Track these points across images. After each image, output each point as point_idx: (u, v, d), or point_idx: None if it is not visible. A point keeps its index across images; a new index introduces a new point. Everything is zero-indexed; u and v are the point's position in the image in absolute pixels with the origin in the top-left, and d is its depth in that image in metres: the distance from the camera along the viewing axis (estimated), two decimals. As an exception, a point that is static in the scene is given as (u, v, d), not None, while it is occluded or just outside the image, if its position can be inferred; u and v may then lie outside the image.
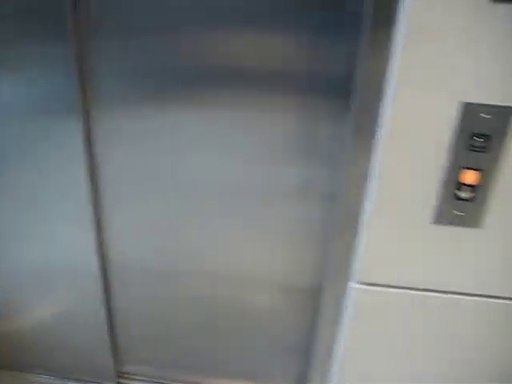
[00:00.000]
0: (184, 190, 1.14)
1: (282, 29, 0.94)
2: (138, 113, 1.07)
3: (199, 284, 1.28)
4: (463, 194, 0.83)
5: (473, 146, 0.80)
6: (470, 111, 0.77)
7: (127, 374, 1.50)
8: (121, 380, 1.50)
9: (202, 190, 1.14)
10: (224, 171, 1.10)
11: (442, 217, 0.85)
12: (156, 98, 1.05)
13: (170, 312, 1.34)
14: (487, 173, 0.81)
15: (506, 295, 0.92)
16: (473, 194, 0.83)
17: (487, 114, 0.77)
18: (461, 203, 0.84)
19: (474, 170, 0.81)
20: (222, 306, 1.31)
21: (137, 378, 1.50)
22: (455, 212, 0.84)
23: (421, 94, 0.78)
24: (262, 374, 1.42)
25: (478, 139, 0.79)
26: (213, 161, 1.09)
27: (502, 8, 0.70)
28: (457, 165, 0.81)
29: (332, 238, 0.98)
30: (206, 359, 1.42)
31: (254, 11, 0.93)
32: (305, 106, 1.00)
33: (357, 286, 0.94)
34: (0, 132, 1.14)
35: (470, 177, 0.82)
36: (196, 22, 0.96)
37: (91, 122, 1.10)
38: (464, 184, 0.82)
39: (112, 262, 1.28)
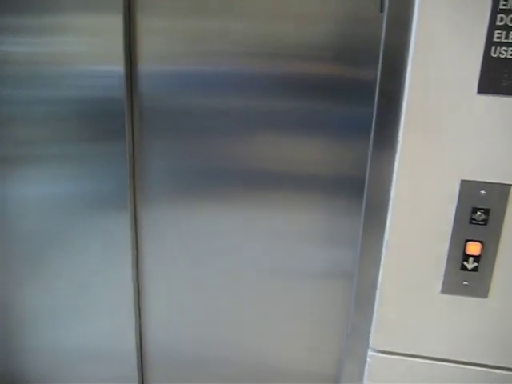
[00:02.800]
0: (223, 280, 1.24)
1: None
2: (182, 210, 1.19)
3: (233, 369, 1.34)
4: (468, 265, 0.89)
5: (474, 220, 0.87)
6: (469, 188, 0.86)
7: None
8: None
9: (240, 278, 1.23)
10: (260, 258, 1.20)
11: (450, 287, 0.91)
12: (198, 197, 1.18)
13: None
14: (489, 244, 0.88)
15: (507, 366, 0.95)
16: (477, 265, 0.89)
17: (486, 191, 0.85)
18: (466, 273, 0.90)
19: (477, 241, 0.88)
20: None
21: None
22: (462, 282, 0.90)
23: (425, 174, 0.86)
24: None
25: (478, 213, 0.86)
26: (249, 250, 1.20)
27: (487, 98, 0.81)
28: (460, 237, 0.88)
29: (352, 311, 1.04)
30: None
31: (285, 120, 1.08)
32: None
33: (374, 354, 0.98)
34: (58, 222, 1.26)
35: (473, 248, 0.88)
36: (236, 127, 1.10)
37: (139, 218, 1.22)
38: (468, 255, 0.89)
39: (150, 344, 1.35)
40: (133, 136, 1.16)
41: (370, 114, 0.93)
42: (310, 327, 1.22)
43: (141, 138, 1.16)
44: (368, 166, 0.94)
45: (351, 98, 1.02)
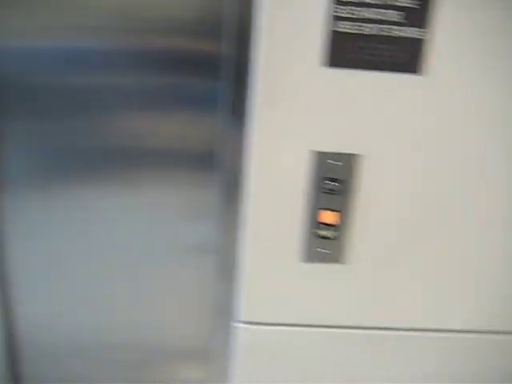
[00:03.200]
0: (92, 265, 1.22)
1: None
2: (46, 194, 1.15)
3: (108, 352, 1.33)
4: (324, 233, 0.93)
5: (326, 189, 0.90)
6: (319, 159, 0.88)
7: None
8: None
9: (111, 257, 1.21)
10: (128, 237, 1.18)
11: (309, 255, 0.94)
12: (61, 179, 1.14)
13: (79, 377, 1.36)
14: (342, 213, 0.91)
15: (373, 325, 1.00)
16: (334, 233, 0.92)
17: (335, 161, 0.89)
18: (324, 241, 0.93)
19: (331, 210, 0.91)
20: (130, 370, 1.35)
21: None
22: (320, 250, 0.94)
23: (276, 147, 0.88)
24: None
25: (329, 183, 0.90)
26: (115, 235, 1.19)
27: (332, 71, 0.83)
28: (315, 207, 0.91)
29: (216, 285, 1.05)
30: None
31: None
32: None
33: (239, 325, 1.00)
34: None
35: (327, 217, 0.91)
36: (102, 104, 1.08)
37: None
38: (324, 224, 0.92)
39: (20, 334, 1.31)
40: None
41: (224, 88, 0.94)
42: (181, 303, 1.23)
43: None
44: (222, 140, 0.95)
45: (206, 71, 1.02)
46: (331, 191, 0.90)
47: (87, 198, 1.15)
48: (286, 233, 0.93)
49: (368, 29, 0.81)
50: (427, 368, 1.05)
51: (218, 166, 0.99)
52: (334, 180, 0.89)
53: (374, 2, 0.80)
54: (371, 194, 0.91)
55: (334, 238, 0.93)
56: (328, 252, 0.94)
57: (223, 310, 1.05)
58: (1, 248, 1.20)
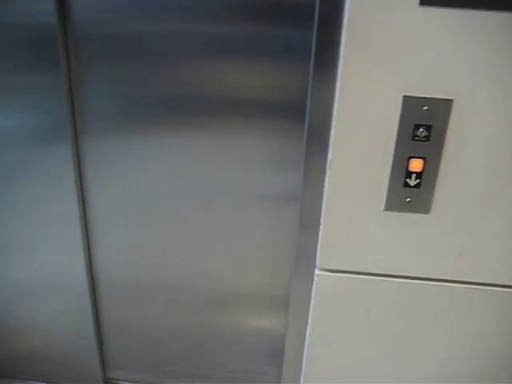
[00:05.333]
0: (171, 206, 1.23)
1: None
2: (126, 139, 1.16)
3: (184, 295, 1.36)
4: (410, 182, 0.90)
5: (416, 136, 0.87)
6: (411, 104, 0.85)
7: (114, 379, 1.55)
8: (107, 384, 1.55)
9: (188, 204, 1.22)
10: (207, 185, 1.19)
11: (393, 204, 0.92)
12: (142, 124, 1.14)
13: (156, 320, 1.41)
14: (431, 161, 0.88)
15: (456, 278, 0.98)
16: (419, 181, 0.90)
17: (428, 107, 0.85)
18: (409, 190, 0.91)
19: (419, 158, 0.88)
20: (204, 315, 1.38)
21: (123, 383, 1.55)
22: (405, 199, 0.91)
23: (366, 92, 0.85)
24: (245, 378, 1.48)
25: (420, 130, 0.87)
26: (197, 177, 1.19)
27: (429, 10, 0.79)
28: (403, 154, 0.89)
29: (297, 231, 1.05)
30: (191, 365, 1.48)
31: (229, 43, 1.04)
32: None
33: (320, 272, 1.00)
34: None
35: (415, 165, 0.89)
36: (182, 52, 1.06)
37: (81, 149, 1.19)
38: (411, 172, 0.90)
39: (100, 276, 1.36)
40: (69, 63, 1.10)
41: (309, 36, 0.91)
42: (258, 250, 1.24)
43: (79, 65, 1.10)
44: (309, 87, 0.93)
45: (289, 19, 0.99)
46: (422, 138, 0.87)
47: (167, 146, 1.16)
48: (372, 181, 0.91)
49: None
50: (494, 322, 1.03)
51: (304, 116, 0.96)
52: (424, 126, 0.86)
53: None
54: (462, 141, 0.87)
55: (422, 187, 0.90)
56: (414, 201, 0.91)
57: (303, 258, 1.05)
58: (83, 194, 1.24)
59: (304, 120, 1.01)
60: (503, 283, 0.98)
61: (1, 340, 1.50)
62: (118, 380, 1.54)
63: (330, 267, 1.00)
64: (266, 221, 1.19)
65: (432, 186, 0.90)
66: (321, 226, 0.97)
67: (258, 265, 1.26)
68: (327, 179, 0.93)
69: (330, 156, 0.91)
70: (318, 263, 1.00)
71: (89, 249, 1.31)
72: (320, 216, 0.96)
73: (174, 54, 1.06)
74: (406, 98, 0.85)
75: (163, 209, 1.23)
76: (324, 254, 0.99)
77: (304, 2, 0.96)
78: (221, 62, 1.06)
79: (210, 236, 1.24)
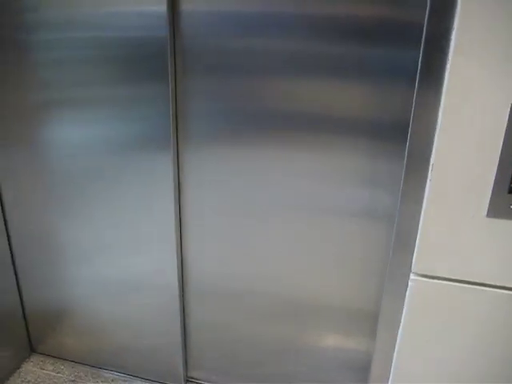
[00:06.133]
0: (262, 217, 1.28)
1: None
2: (224, 150, 1.22)
3: (270, 302, 1.39)
4: (515, 188, 0.90)
5: (523, 144, 0.87)
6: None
7: (194, 379, 1.59)
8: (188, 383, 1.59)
9: (279, 216, 1.27)
10: (299, 198, 1.23)
11: (496, 210, 0.92)
12: (240, 137, 1.20)
13: (241, 325, 1.46)
14: (539, 169, 0.88)
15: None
16: (525, 188, 0.89)
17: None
18: (513, 197, 0.90)
19: (526, 165, 0.88)
20: (287, 324, 1.41)
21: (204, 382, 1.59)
22: (509, 205, 0.91)
23: (473, 99, 0.86)
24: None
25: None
26: (289, 190, 1.23)
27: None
28: (508, 160, 0.88)
29: (394, 235, 1.06)
30: (271, 371, 1.50)
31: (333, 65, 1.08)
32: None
33: (414, 277, 1.01)
34: (103, 163, 1.32)
35: (522, 172, 0.89)
36: (280, 68, 1.11)
37: (181, 157, 1.26)
38: (517, 179, 0.89)
39: (191, 276, 1.42)
40: (175, 76, 1.18)
41: (414, 55, 0.93)
42: (348, 265, 1.26)
43: (184, 78, 1.18)
44: (414, 101, 0.94)
45: (396, 39, 1.01)
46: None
47: (262, 159, 1.21)
48: (475, 186, 0.91)
49: None
50: None
51: (403, 135, 0.99)
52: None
53: None
54: None
55: (527, 195, 0.89)
56: (518, 208, 0.91)
57: (399, 264, 1.05)
58: (180, 199, 1.31)
59: (399, 140, 1.05)
60: None
61: (94, 332, 1.58)
62: (199, 380, 1.58)
63: (425, 273, 1.00)
64: (357, 235, 1.22)
65: (537, 194, 0.89)
66: (419, 230, 0.97)
67: (347, 279, 1.28)
68: (428, 183, 0.94)
69: (432, 160, 0.92)
70: (413, 268, 1.01)
71: (181, 251, 1.38)
72: (417, 224, 0.97)
73: (277, 70, 1.12)
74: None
75: (256, 218, 1.28)
76: (420, 259, 0.99)
77: (411, 22, 0.99)
78: (324, 80, 1.10)
79: (300, 248, 1.28)
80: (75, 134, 1.31)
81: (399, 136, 1.06)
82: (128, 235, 1.39)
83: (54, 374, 1.62)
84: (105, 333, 1.57)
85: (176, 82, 1.18)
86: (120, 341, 1.57)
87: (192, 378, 1.59)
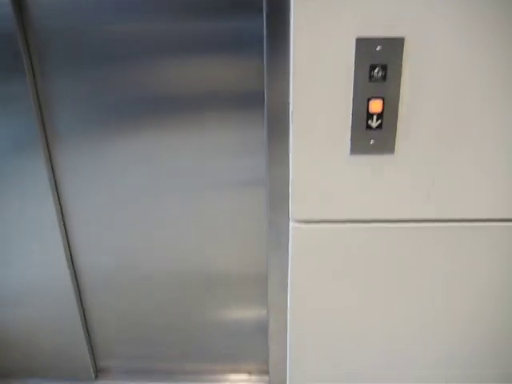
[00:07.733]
0: (150, 199, 1.25)
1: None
2: (98, 142, 1.18)
3: (165, 282, 1.38)
4: (372, 123, 0.92)
5: (373, 77, 0.89)
6: (364, 45, 0.87)
7: (105, 368, 1.55)
8: (99, 374, 1.54)
9: (168, 196, 1.24)
10: (185, 176, 1.21)
11: (358, 147, 0.94)
12: (112, 126, 1.16)
13: (143, 308, 1.43)
14: (390, 100, 0.90)
15: (422, 217, 1.00)
16: (381, 122, 0.92)
17: (381, 46, 0.87)
18: (372, 132, 0.93)
19: (378, 98, 0.90)
20: (192, 300, 1.40)
21: (114, 371, 1.55)
22: (369, 141, 0.93)
23: (321, 38, 0.86)
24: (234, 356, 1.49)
25: (376, 70, 0.88)
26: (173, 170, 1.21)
27: None
28: (362, 96, 0.90)
29: (268, 186, 1.06)
30: (179, 348, 1.49)
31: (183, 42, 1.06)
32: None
33: (294, 225, 1.01)
34: None
35: (375, 106, 0.91)
36: (141, 52, 1.08)
37: (53, 156, 1.20)
38: (371, 113, 0.91)
39: (82, 271, 1.37)
40: (33, 73, 1.11)
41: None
42: (236, 231, 1.26)
43: (44, 74, 1.11)
44: (265, 64, 0.94)
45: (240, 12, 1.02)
46: (378, 78, 0.89)
47: (144, 143, 1.18)
48: (335, 127, 0.93)
49: None
50: (480, 258, 1.05)
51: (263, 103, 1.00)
52: (380, 67, 0.88)
53: None
54: (418, 80, 0.89)
55: (384, 127, 0.92)
56: (378, 142, 0.93)
57: (278, 213, 1.06)
58: (58, 194, 1.25)
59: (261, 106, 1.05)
60: (469, 217, 1.00)
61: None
62: (109, 368, 1.55)
63: (303, 218, 1.01)
64: (240, 203, 1.22)
65: (393, 126, 0.92)
66: (290, 178, 0.98)
67: (237, 245, 1.29)
68: (291, 132, 0.94)
69: (291, 108, 0.92)
70: (291, 216, 1.01)
71: (69, 246, 1.33)
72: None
73: (137, 54, 1.08)
74: (358, 40, 0.87)
75: (144, 203, 1.26)
76: (296, 206, 1.00)
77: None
78: (180, 59, 1.08)
79: (192, 221, 1.27)
80: None
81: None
82: (12, 246, 1.32)
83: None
84: (5, 342, 1.49)
85: (35, 79, 1.12)
86: (23, 347, 1.50)
87: (102, 368, 1.55)
